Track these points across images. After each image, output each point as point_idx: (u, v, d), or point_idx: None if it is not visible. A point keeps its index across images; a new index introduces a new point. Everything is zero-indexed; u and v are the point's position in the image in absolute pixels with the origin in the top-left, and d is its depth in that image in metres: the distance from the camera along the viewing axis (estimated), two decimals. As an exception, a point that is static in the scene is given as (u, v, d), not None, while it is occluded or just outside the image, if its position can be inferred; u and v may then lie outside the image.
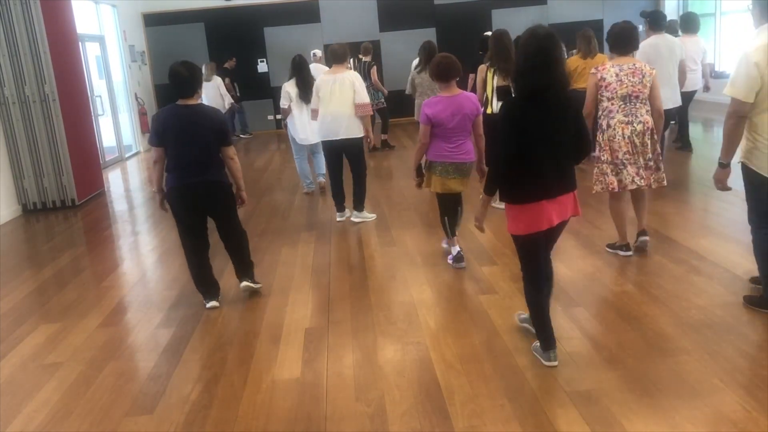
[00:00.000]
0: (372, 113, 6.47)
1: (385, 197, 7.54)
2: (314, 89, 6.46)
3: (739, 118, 3.58)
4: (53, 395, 3.57)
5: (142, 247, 6.61)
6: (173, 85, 4.40)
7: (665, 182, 4.82)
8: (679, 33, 7.93)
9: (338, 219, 6.67)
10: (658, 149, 4.73)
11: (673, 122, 10.32)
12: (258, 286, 4.75)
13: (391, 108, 11.38)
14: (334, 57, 6.44)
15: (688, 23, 8.03)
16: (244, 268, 4.76)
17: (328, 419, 3.11)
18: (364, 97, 6.29)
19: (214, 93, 11.40)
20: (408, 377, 3.43)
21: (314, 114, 6.50)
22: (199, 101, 4.48)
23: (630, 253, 4.90)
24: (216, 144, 4.39)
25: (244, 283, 4.72)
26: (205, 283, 4.65)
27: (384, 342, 3.87)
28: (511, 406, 3.08)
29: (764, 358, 3.32)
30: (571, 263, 4.89)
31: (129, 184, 10.36)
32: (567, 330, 3.80)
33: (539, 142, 3.18)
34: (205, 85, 11.02)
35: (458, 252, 5.03)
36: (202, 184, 4.39)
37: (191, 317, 4.48)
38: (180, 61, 4.42)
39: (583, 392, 3.14)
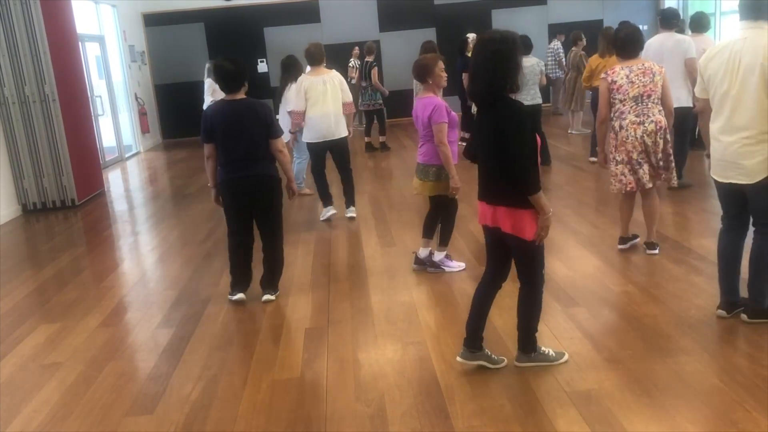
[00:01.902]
0: (354, 112, 6.65)
1: (385, 197, 7.55)
2: (300, 91, 6.42)
3: (700, 113, 3.82)
4: (53, 395, 3.57)
5: (142, 247, 6.61)
6: (219, 80, 4.45)
7: (675, 183, 4.89)
8: (688, 32, 7.97)
9: (328, 214, 6.69)
10: (669, 150, 4.73)
11: None
12: (276, 294, 4.69)
13: (392, 108, 11.39)
14: (312, 59, 6.49)
15: (693, 23, 8.13)
16: (270, 280, 4.70)
17: (328, 419, 3.11)
18: (350, 96, 6.57)
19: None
20: (408, 377, 3.43)
21: (298, 116, 6.49)
22: (244, 96, 4.47)
23: (637, 239, 5.01)
24: (264, 137, 4.41)
25: (266, 296, 4.64)
26: (237, 277, 4.67)
27: (384, 342, 3.87)
28: (511, 406, 3.08)
29: (764, 358, 3.32)
30: (571, 263, 4.89)
31: (129, 184, 10.36)
32: (567, 330, 3.79)
33: (475, 144, 3.35)
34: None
35: (416, 254, 5.05)
36: (251, 177, 4.43)
37: (191, 317, 4.48)
38: (223, 57, 4.46)
39: (583, 392, 3.14)
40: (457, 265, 4.96)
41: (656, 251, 4.90)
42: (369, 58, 10.77)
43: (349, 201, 6.77)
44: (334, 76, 6.51)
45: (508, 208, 3.14)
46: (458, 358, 3.43)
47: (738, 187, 3.53)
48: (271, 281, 4.69)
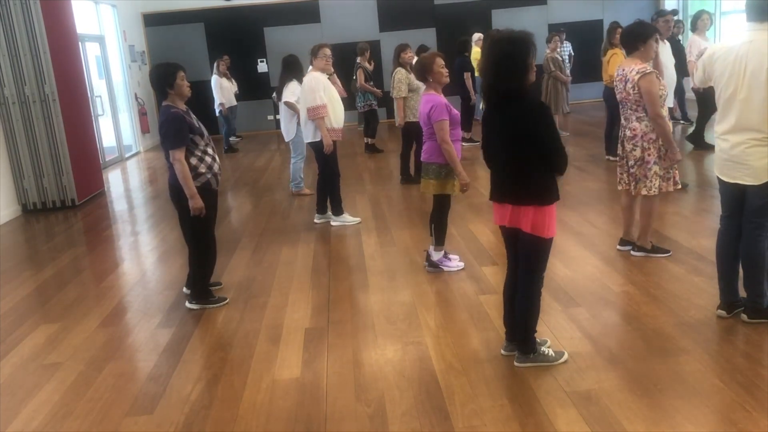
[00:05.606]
0: (322, 117, 6.17)
1: (385, 197, 7.55)
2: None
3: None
4: (53, 395, 3.57)
5: (142, 247, 6.61)
6: None
7: (645, 192, 4.66)
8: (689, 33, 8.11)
9: (319, 221, 6.64)
10: (648, 158, 4.59)
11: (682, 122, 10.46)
12: (192, 306, 4.61)
13: (391, 109, 11.36)
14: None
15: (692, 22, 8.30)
16: (191, 287, 4.69)
17: (328, 419, 3.11)
18: (311, 101, 6.19)
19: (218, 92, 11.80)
20: (408, 377, 3.43)
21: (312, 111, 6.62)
22: (169, 102, 4.36)
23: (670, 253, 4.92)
24: (164, 146, 4.39)
25: (187, 298, 4.69)
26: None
27: (384, 342, 3.87)
28: (511, 406, 3.08)
29: (764, 358, 3.32)
30: (571, 263, 4.89)
31: (129, 184, 10.35)
32: (567, 330, 3.80)
33: (487, 144, 3.37)
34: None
35: (428, 255, 5.01)
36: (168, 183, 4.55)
37: (191, 317, 4.48)
38: (158, 63, 4.50)
39: (583, 392, 3.14)
40: (455, 265, 4.96)
41: (635, 251, 4.91)
42: (358, 60, 10.74)
43: (318, 207, 6.63)
44: (307, 78, 6.33)
45: (530, 207, 3.20)
46: (515, 363, 3.44)
47: (742, 187, 3.54)
48: (191, 289, 4.69)
